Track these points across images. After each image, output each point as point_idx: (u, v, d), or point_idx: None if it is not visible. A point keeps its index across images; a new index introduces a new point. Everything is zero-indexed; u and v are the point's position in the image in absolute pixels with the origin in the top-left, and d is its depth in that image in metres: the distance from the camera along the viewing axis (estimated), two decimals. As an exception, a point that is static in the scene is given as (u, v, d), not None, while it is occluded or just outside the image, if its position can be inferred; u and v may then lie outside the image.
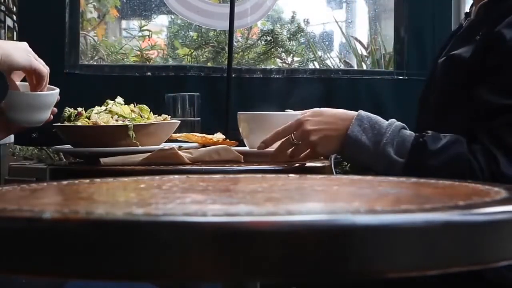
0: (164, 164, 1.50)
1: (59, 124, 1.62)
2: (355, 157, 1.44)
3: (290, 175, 1.04)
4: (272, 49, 3.07)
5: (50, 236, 0.58)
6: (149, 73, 2.46)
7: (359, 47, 3.35)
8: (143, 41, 3.34)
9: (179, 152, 1.52)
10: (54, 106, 1.51)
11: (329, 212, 0.69)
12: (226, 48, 2.67)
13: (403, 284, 1.11)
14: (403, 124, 1.43)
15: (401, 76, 2.55)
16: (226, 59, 2.46)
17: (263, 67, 2.92)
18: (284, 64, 3.18)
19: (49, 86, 1.48)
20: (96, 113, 1.60)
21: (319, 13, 3.52)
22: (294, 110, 1.65)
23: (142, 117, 1.62)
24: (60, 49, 2.34)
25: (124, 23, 3.95)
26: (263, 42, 3.08)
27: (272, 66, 3.01)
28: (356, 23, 3.68)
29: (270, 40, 3.05)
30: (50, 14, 2.36)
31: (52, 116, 1.52)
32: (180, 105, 1.94)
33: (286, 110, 1.69)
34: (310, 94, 2.45)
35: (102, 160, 1.52)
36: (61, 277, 0.94)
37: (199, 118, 1.94)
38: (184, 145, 1.65)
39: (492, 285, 1.30)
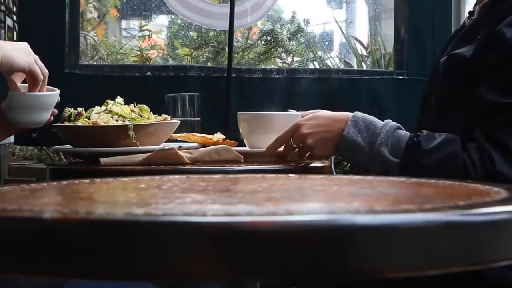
0: (164, 164, 1.50)
1: (59, 124, 1.62)
2: (352, 158, 1.44)
3: (290, 175, 1.04)
4: (272, 49, 3.07)
5: (50, 236, 0.58)
6: (149, 73, 2.46)
7: (359, 47, 3.35)
8: (143, 41, 3.34)
9: (179, 152, 1.52)
10: (54, 107, 1.51)
11: (329, 212, 0.69)
12: (226, 48, 2.67)
13: (403, 284, 1.11)
14: (398, 124, 1.43)
15: (401, 76, 2.55)
16: (226, 59, 2.46)
17: (263, 67, 2.92)
18: (284, 64, 3.18)
19: (49, 87, 1.47)
20: (96, 113, 1.60)
21: (319, 13, 3.52)
22: (296, 110, 1.66)
23: (142, 117, 1.62)
24: (60, 49, 2.34)
25: (124, 23, 3.94)
26: (263, 42, 3.08)
27: (272, 66, 3.01)
28: (356, 23, 3.67)
29: (270, 40, 3.04)
30: (50, 14, 2.36)
31: (52, 117, 1.51)
32: (180, 105, 1.94)
33: (288, 110, 1.69)
34: (310, 94, 2.45)
35: (102, 160, 1.52)
36: (61, 277, 0.94)
37: (199, 118, 1.94)
38: (184, 145, 1.65)
39: (492, 285, 1.30)
